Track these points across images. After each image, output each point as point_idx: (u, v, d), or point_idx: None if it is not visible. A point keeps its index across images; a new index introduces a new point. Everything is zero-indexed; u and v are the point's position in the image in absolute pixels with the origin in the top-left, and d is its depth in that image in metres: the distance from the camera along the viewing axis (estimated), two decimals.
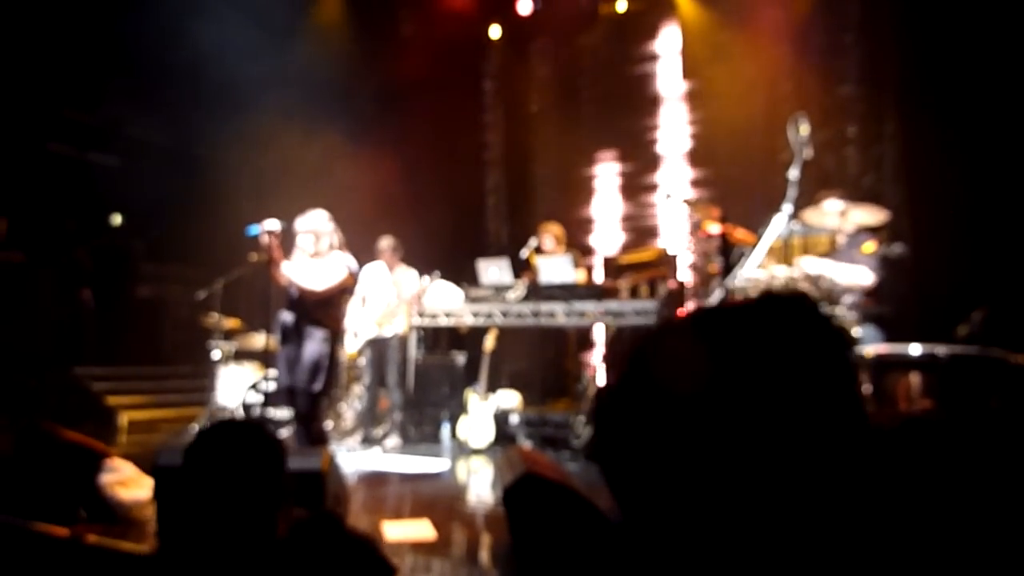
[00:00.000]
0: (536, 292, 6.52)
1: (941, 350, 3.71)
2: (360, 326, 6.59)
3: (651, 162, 8.75)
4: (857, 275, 4.62)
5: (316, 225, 4.68)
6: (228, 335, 7.28)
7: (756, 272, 4.73)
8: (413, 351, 7.16)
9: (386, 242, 6.80)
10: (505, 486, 3.16)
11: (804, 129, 4.17)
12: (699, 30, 8.33)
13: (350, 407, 7.00)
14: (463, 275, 7.77)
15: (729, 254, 4.74)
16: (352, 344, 6.58)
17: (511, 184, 9.67)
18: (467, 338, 7.55)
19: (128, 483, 3.85)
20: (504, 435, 6.50)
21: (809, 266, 4.36)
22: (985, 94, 6.31)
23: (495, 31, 9.67)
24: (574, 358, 7.34)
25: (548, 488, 3.30)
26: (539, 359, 7.49)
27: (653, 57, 8.79)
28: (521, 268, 6.94)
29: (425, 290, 6.83)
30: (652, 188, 8.63)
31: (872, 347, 4.01)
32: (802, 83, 7.71)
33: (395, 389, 6.67)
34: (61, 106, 8.64)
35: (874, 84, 7.34)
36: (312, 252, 4.64)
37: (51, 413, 6.96)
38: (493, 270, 6.91)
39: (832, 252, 4.79)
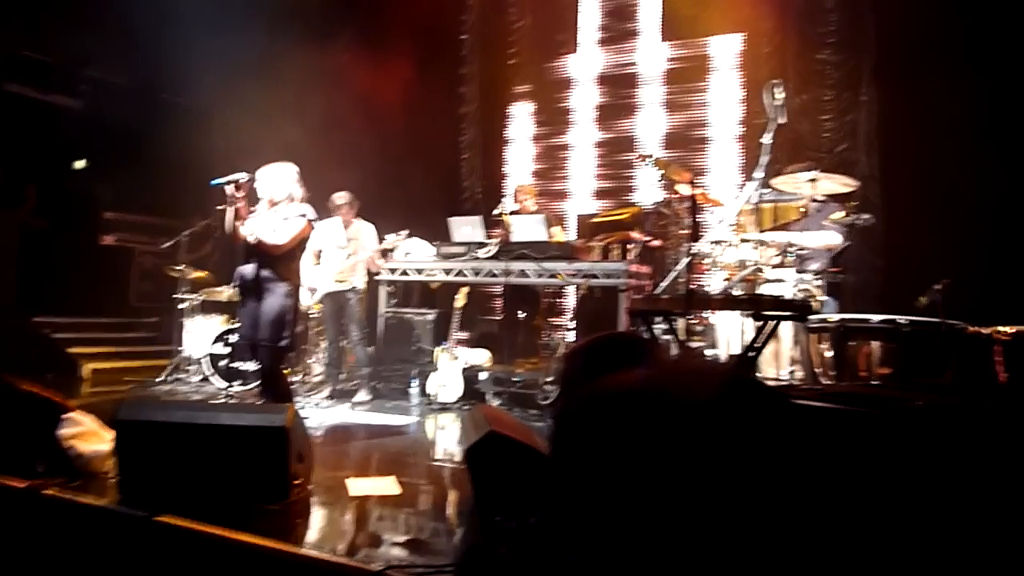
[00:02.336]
0: (508, 251, 6.50)
1: (902, 319, 3.77)
2: (318, 281, 6.52)
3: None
4: (826, 238, 4.66)
5: (279, 175, 4.61)
6: (194, 286, 7.17)
7: (725, 236, 4.76)
8: (383, 307, 7.13)
9: (342, 197, 6.69)
10: (469, 445, 3.18)
11: (779, 95, 4.15)
12: None
13: (318, 361, 6.97)
14: (436, 232, 7.71)
15: (697, 217, 4.73)
16: (307, 298, 6.50)
17: (487, 140, 9.54)
18: (438, 294, 7.53)
19: (88, 436, 3.81)
20: (473, 392, 6.53)
21: (777, 237, 4.39)
22: (961, 65, 6.32)
23: None
24: (544, 317, 7.35)
25: (511, 447, 3.31)
26: (509, 317, 7.50)
27: (635, 15, 8.65)
28: (494, 226, 6.89)
29: (394, 246, 6.78)
30: (627, 146, 8.58)
31: (835, 315, 4.06)
32: (780, 46, 7.66)
33: (358, 344, 6.65)
34: (20, 45, 8.30)
35: (852, 50, 7.31)
36: (269, 202, 4.57)
37: (11, 363, 6.84)
38: (465, 228, 6.86)
39: (801, 219, 4.82)
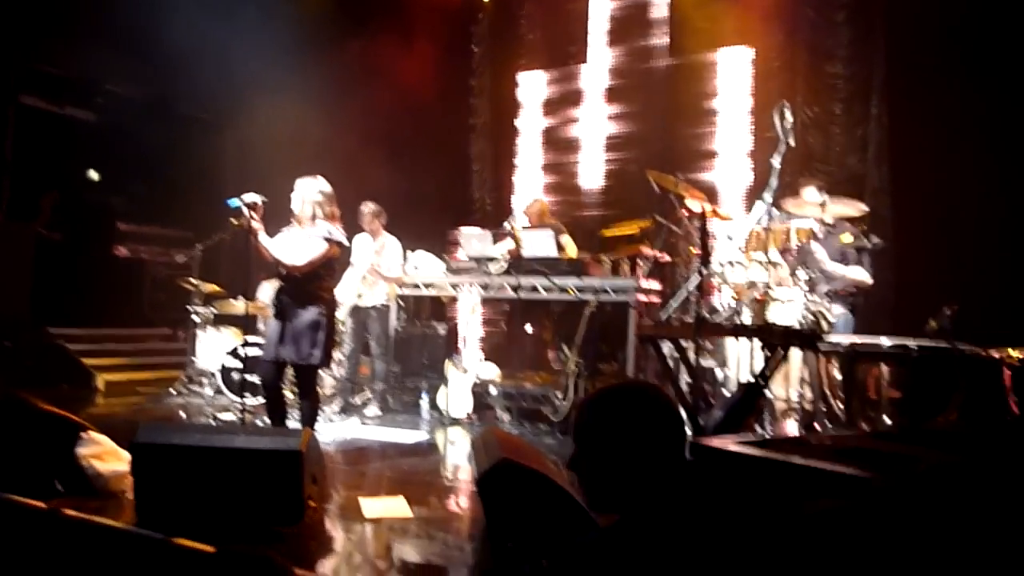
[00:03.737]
0: (518, 265, 6.53)
1: (911, 343, 3.79)
2: (342, 294, 6.57)
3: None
4: (857, 273, 4.69)
5: (304, 191, 4.56)
6: (208, 300, 7.23)
7: (734, 255, 4.78)
8: (393, 320, 7.17)
9: (368, 207, 6.73)
10: (481, 472, 3.21)
11: (788, 117, 4.17)
12: (690, 2, 8.22)
13: (330, 375, 7.02)
14: (446, 244, 7.76)
15: (707, 235, 4.75)
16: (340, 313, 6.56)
17: (497, 152, 9.58)
18: (448, 309, 7.57)
19: (106, 455, 3.87)
20: (482, 406, 6.56)
21: (811, 261, 4.41)
22: (971, 78, 6.31)
23: None
24: (554, 332, 7.37)
25: (522, 474, 3.34)
26: (519, 332, 7.53)
27: (646, 27, 8.67)
28: (503, 239, 6.92)
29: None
30: (638, 162, 8.58)
31: (844, 338, 4.08)
32: (790, 60, 7.68)
33: (378, 359, 6.69)
34: (35, 59, 8.40)
35: (862, 64, 7.31)
36: (297, 218, 4.56)
37: (26, 375, 6.93)
38: (475, 242, 6.90)
39: (810, 241, 4.83)
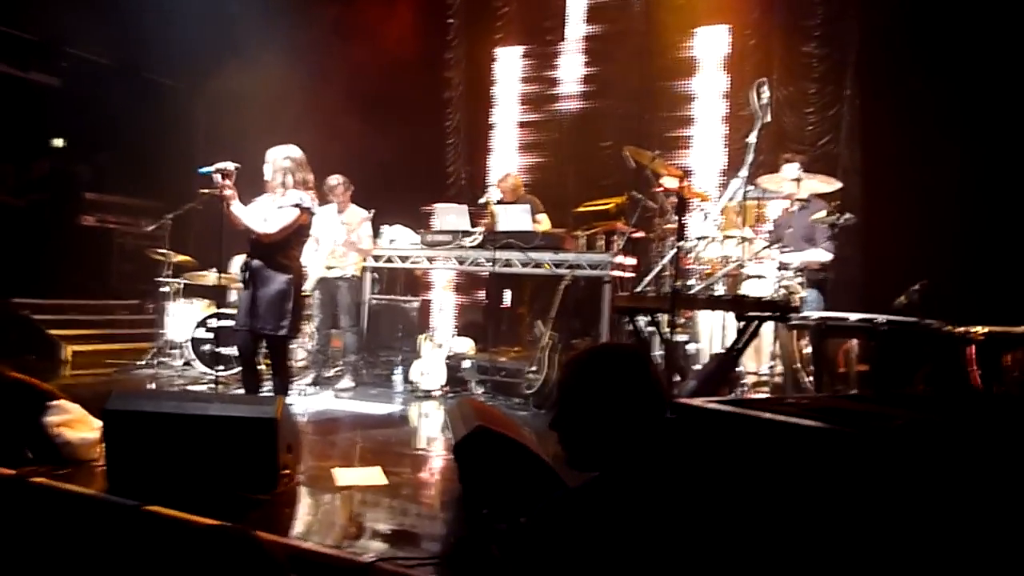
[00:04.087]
0: (493, 239, 6.53)
1: (879, 318, 3.86)
2: (311, 266, 6.52)
3: None
4: (816, 255, 4.76)
5: (274, 159, 4.53)
6: (177, 271, 7.13)
7: (709, 231, 4.83)
8: (367, 293, 7.14)
9: (335, 180, 6.65)
10: (457, 439, 3.23)
11: (764, 95, 4.20)
12: None
13: (302, 347, 6.98)
14: (421, 218, 7.71)
15: (684, 212, 4.78)
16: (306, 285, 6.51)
17: (472, 125, 9.52)
18: (422, 282, 7.55)
19: (75, 423, 3.82)
20: (456, 380, 6.58)
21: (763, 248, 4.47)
22: (943, 61, 6.40)
23: None
24: (528, 306, 7.40)
25: (499, 441, 3.37)
26: (493, 306, 7.54)
27: (623, 4, 8.63)
28: (479, 214, 6.91)
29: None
30: (613, 138, 8.58)
31: (814, 313, 4.15)
32: (766, 39, 7.71)
33: (349, 331, 6.66)
34: None
35: (836, 45, 7.36)
36: (269, 186, 4.52)
37: None
38: (450, 216, 6.88)
39: (785, 216, 4.89)
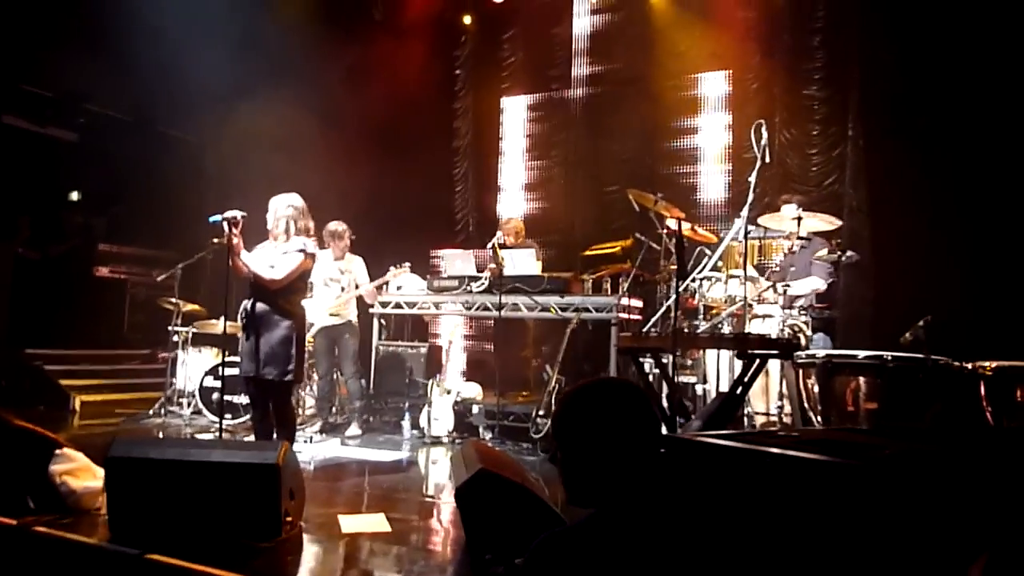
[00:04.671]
0: (500, 284, 6.54)
1: (887, 355, 3.82)
2: (311, 314, 6.55)
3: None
4: (809, 284, 4.75)
5: (277, 207, 4.63)
6: (187, 319, 7.18)
7: (712, 273, 4.83)
8: (375, 339, 7.15)
9: (338, 225, 6.68)
10: (459, 483, 3.20)
11: (763, 137, 4.25)
12: (669, 26, 8.36)
13: (310, 394, 6.98)
14: (429, 264, 7.77)
15: (684, 253, 4.79)
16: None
17: (480, 173, 9.64)
18: (430, 328, 7.56)
19: (80, 472, 3.82)
20: (465, 425, 6.53)
21: (762, 278, 4.47)
22: (945, 99, 6.46)
23: (467, 18, 9.63)
24: (536, 350, 7.38)
25: (502, 485, 3.33)
26: (501, 351, 7.52)
27: (627, 51, 8.78)
28: (486, 259, 6.95)
29: (388, 281, 6.78)
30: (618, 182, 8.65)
31: (821, 351, 4.11)
32: (767, 83, 7.81)
33: (352, 378, 6.65)
34: (17, 78, 8.39)
35: (838, 86, 7.45)
36: (272, 234, 4.60)
37: (2, 396, 6.83)
38: (457, 262, 6.92)
39: (789, 256, 4.89)
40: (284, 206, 4.62)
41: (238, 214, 4.43)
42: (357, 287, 6.66)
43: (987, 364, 3.66)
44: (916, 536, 1.18)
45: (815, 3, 7.56)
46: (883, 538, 1.17)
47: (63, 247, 8.87)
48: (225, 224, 4.38)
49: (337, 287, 6.59)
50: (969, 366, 3.77)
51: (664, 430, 3.48)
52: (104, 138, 8.99)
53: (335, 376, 6.80)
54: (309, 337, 6.61)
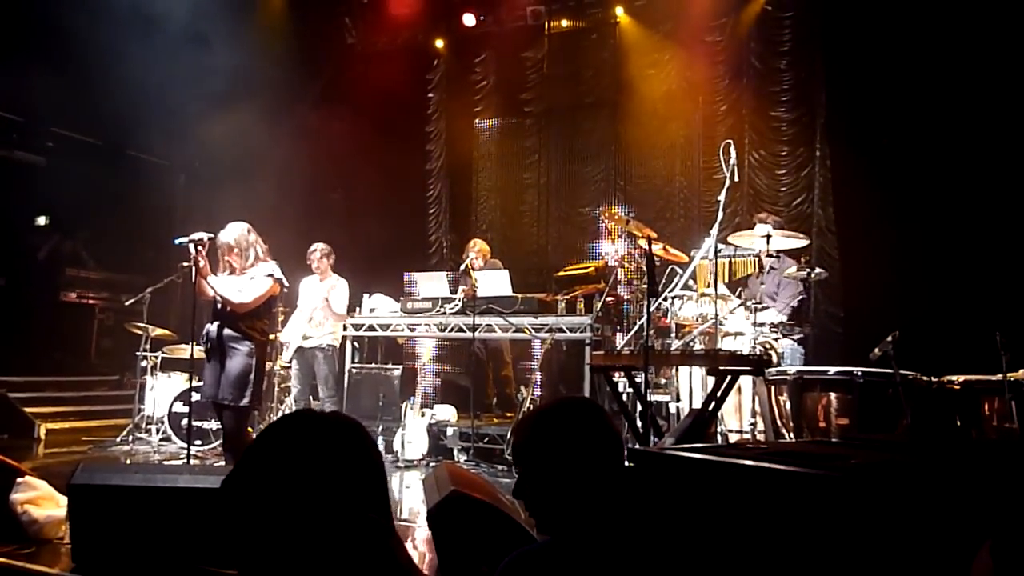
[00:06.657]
0: (473, 305, 6.53)
1: (856, 371, 3.86)
2: (289, 335, 6.49)
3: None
4: (768, 316, 4.81)
5: (236, 239, 4.57)
6: (156, 344, 7.07)
7: (684, 292, 4.86)
8: (348, 362, 7.09)
9: (320, 248, 6.66)
10: (431, 506, 3.16)
11: (732, 157, 4.31)
12: (638, 50, 8.48)
13: None
14: (402, 286, 7.74)
15: (655, 273, 4.82)
16: (284, 354, 6.48)
17: (453, 195, 9.66)
18: (403, 350, 7.51)
19: (42, 501, 3.72)
20: (439, 448, 6.47)
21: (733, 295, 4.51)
22: (909, 119, 6.61)
23: (440, 42, 9.69)
24: (511, 370, 7.36)
25: (474, 507, 3.29)
26: (475, 372, 7.49)
27: (594, 74, 8.89)
28: (459, 281, 6.94)
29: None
30: (591, 203, 8.73)
31: (792, 367, 4.14)
32: (736, 104, 7.94)
33: (327, 401, 6.57)
34: None
35: (805, 108, 7.59)
36: (238, 267, 4.56)
37: None
38: (430, 284, 6.89)
39: (758, 274, 4.94)
40: (244, 234, 4.58)
41: (205, 236, 4.39)
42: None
43: (955, 378, 3.71)
44: (886, 547, 1.17)
45: (782, 26, 7.72)
46: (853, 549, 1.17)
47: (26, 273, 8.71)
48: (191, 246, 4.34)
49: (309, 309, 6.54)
50: (937, 380, 3.82)
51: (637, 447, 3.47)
52: (72, 162, 8.88)
53: (309, 400, 6.72)
54: (286, 360, 6.55)
